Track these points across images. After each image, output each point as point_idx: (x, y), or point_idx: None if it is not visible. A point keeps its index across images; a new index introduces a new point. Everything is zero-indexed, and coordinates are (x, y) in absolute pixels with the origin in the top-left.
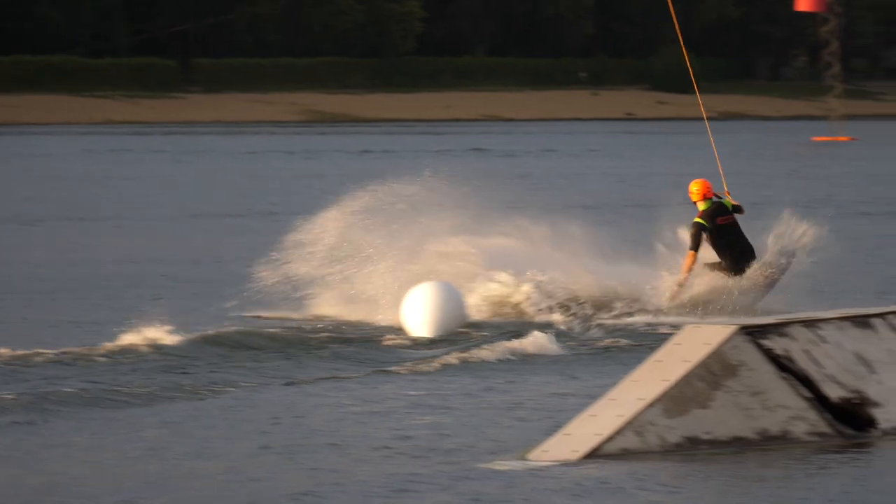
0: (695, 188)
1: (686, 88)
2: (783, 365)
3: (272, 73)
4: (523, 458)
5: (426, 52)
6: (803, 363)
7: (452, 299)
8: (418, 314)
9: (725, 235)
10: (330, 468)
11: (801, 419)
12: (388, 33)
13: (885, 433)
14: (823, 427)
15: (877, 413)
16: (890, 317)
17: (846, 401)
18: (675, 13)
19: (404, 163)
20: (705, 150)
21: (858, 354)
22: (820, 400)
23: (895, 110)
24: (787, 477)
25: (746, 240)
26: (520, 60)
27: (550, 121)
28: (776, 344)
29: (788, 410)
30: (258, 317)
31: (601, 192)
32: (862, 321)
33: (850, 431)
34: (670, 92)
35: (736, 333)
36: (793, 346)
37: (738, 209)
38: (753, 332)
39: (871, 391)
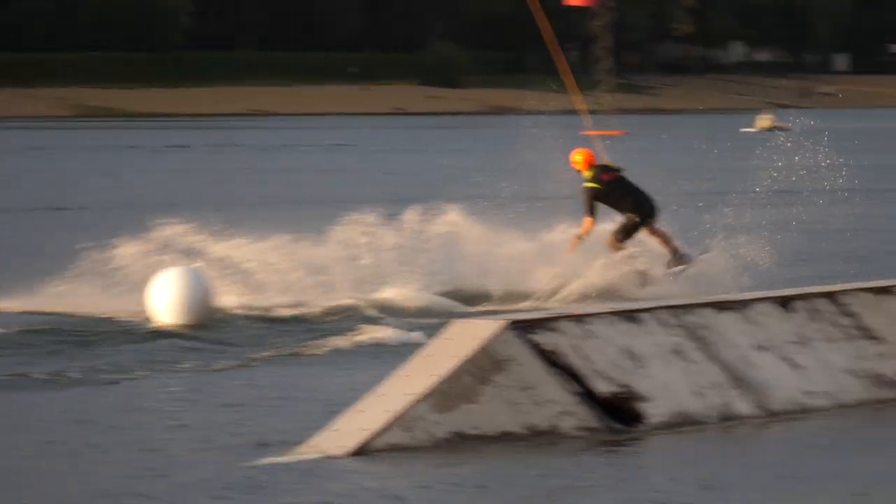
0: (578, 157)
1: (456, 83)
2: (552, 360)
3: (40, 68)
4: (292, 454)
5: (196, 46)
6: (572, 358)
7: (200, 284)
8: (168, 301)
9: (617, 188)
10: (97, 467)
11: (570, 414)
12: (157, 27)
13: (654, 428)
14: (592, 422)
15: (645, 408)
16: (658, 311)
17: (615, 395)
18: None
19: (165, 158)
20: (476, 144)
21: (627, 349)
22: (589, 395)
23: (666, 104)
24: (555, 471)
25: (642, 189)
26: (289, 55)
27: (320, 115)
28: (545, 339)
29: (557, 405)
30: (25, 311)
31: (373, 185)
32: (630, 316)
33: (618, 426)
34: (440, 86)
35: (505, 328)
36: (562, 341)
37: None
38: (522, 327)
39: (640, 386)
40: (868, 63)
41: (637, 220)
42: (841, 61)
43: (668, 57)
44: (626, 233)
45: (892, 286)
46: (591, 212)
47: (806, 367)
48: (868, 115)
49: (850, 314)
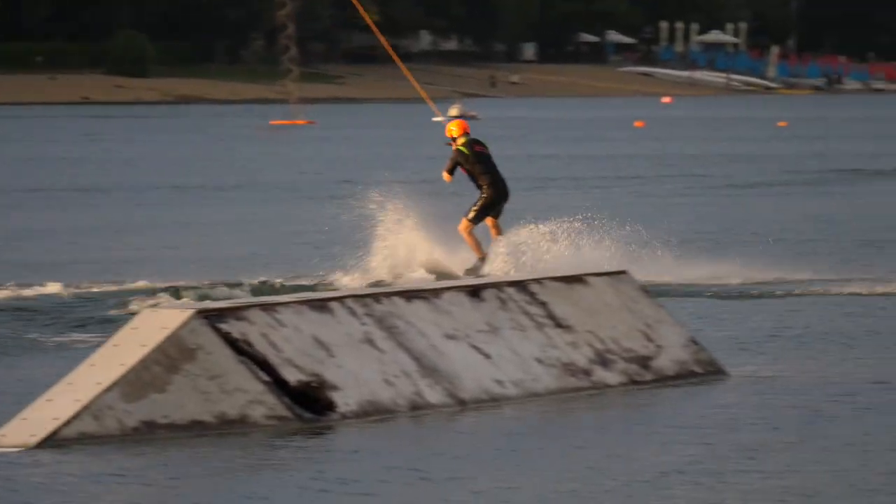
0: (454, 126)
1: (142, 72)
2: (241, 348)
3: None
4: None
5: None
6: (261, 347)
7: None
8: None
9: (484, 161)
10: None
11: (260, 403)
12: None
13: (345, 416)
14: (282, 411)
15: (336, 396)
16: (347, 300)
17: (305, 384)
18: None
19: None
20: (166, 134)
21: (317, 338)
22: (278, 383)
23: (353, 93)
24: (240, 461)
25: (500, 172)
26: None
27: (7, 105)
28: (234, 327)
29: (247, 394)
30: None
31: (66, 176)
32: (320, 305)
33: (309, 415)
34: (127, 76)
35: (192, 317)
36: (251, 330)
37: None
38: (211, 316)
39: (331, 375)
40: (556, 52)
41: (491, 197)
42: (528, 50)
43: (355, 46)
44: (479, 213)
45: (582, 275)
46: (451, 172)
47: (496, 355)
48: (552, 104)
49: (540, 303)
